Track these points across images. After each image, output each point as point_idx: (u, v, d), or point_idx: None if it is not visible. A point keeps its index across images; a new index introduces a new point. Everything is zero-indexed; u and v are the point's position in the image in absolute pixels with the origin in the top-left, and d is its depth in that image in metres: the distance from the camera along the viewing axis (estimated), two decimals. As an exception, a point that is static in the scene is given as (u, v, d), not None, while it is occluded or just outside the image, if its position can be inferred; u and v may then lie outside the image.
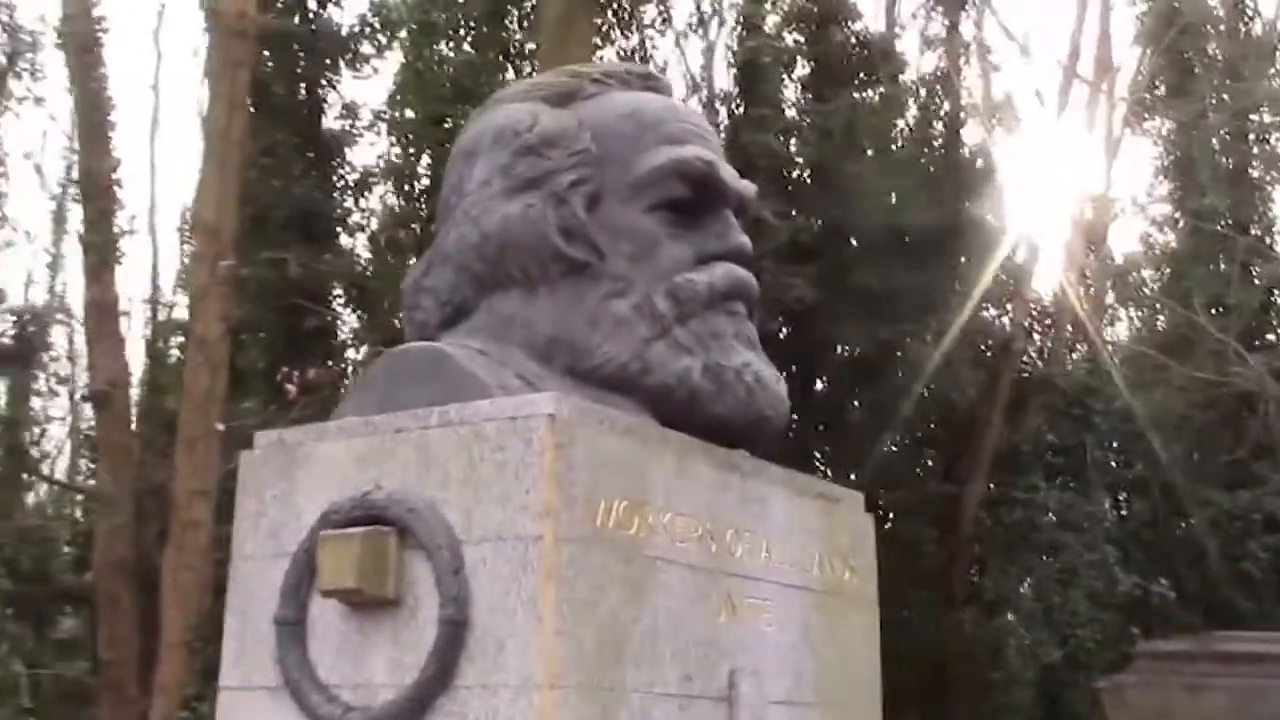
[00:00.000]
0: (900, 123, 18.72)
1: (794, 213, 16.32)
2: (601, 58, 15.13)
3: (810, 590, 3.75)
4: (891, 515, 17.96)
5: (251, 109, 16.95)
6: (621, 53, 15.77)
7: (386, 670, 3.00)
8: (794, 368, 16.94)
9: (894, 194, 17.44)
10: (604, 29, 14.78)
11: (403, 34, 17.11)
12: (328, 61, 16.55)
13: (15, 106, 16.23)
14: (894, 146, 18.80)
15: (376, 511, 3.07)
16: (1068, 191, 19.23)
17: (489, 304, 3.54)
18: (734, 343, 3.61)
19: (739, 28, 18.20)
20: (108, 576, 12.89)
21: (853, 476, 18.79)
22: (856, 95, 18.16)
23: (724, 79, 18.47)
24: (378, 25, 16.93)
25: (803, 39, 18.50)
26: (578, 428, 2.99)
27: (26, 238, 19.46)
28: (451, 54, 17.29)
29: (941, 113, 18.66)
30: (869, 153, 18.15)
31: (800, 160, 17.24)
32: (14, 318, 14.64)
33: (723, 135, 17.34)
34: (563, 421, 2.96)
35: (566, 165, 3.56)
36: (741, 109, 17.51)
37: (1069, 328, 19.10)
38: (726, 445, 3.54)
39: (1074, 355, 19.37)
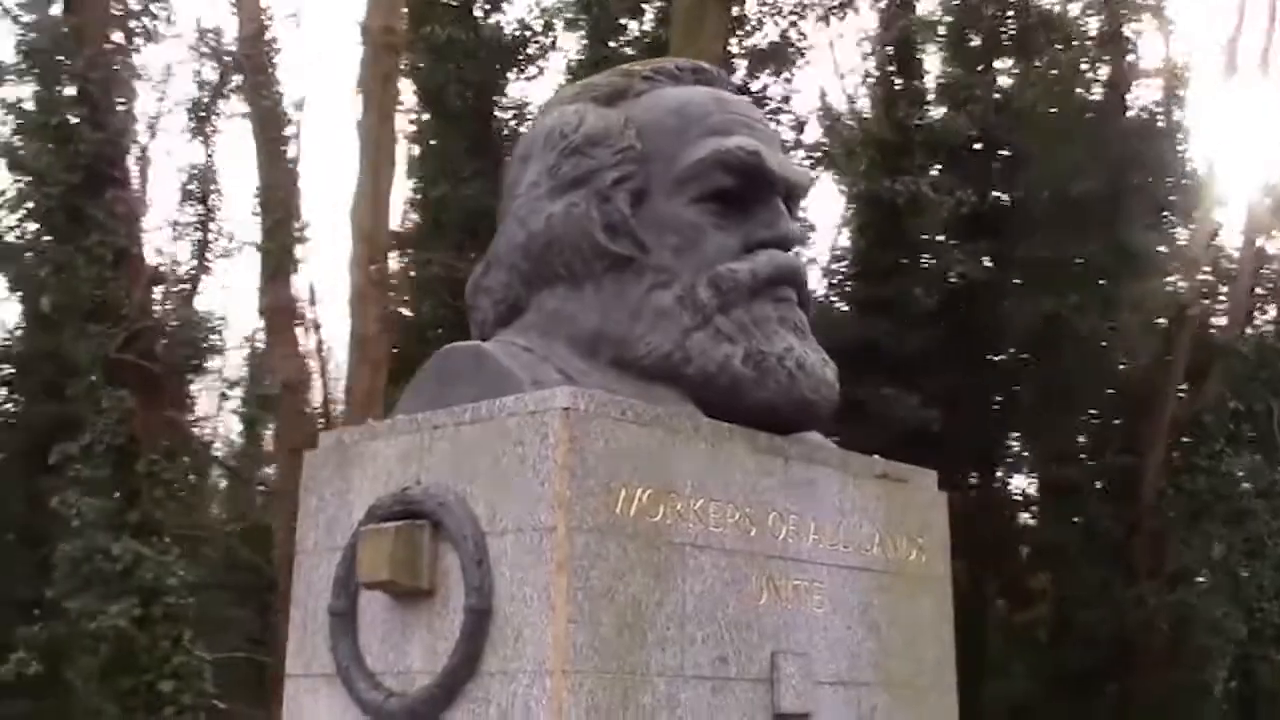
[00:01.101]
0: (1066, 89, 18.11)
1: (954, 189, 15.99)
2: (738, 46, 15.08)
3: (870, 571, 3.74)
4: (1067, 489, 17.48)
5: (424, 116, 17.53)
6: (756, 40, 15.71)
7: (423, 657, 3.14)
8: (963, 345, 16.63)
9: (1061, 162, 16.93)
10: (739, 17, 14.73)
11: (564, 33, 17.38)
12: (497, 66, 16.97)
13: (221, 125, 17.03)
14: (1060, 113, 18.22)
15: (413, 506, 3.21)
16: (1249, 150, 18.32)
17: (538, 301, 3.64)
18: (778, 329, 3.62)
19: (890, 5, 17.91)
20: (286, 569, 13.49)
21: (1026, 453, 18.38)
22: (1020, 63, 17.69)
23: (875, 58, 18.17)
24: (540, 28, 17.26)
25: (953, 15, 18.07)
26: (595, 420, 3.07)
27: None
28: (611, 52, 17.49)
29: (1108, 77, 17.98)
30: (1034, 121, 17.64)
31: (961, 133, 16.84)
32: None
33: (874, 114, 17.15)
34: (579, 415, 3.04)
35: (610, 163, 3.63)
36: (894, 86, 17.22)
37: (1253, 290, 18.21)
38: (774, 430, 3.57)
39: (1258, 318, 18.45)
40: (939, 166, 16.23)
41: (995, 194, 16.73)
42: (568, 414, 3.02)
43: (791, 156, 15.66)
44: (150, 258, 13.72)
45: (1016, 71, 17.78)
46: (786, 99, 15.66)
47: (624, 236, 3.58)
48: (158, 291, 13.32)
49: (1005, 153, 16.80)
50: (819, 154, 16.45)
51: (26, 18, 12.76)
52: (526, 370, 3.36)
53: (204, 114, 16.44)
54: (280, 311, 13.92)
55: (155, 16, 13.88)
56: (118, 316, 11.22)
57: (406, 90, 16.25)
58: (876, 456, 4.17)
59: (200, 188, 16.55)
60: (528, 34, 16.93)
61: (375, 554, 3.17)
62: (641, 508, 3.12)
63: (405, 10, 13.52)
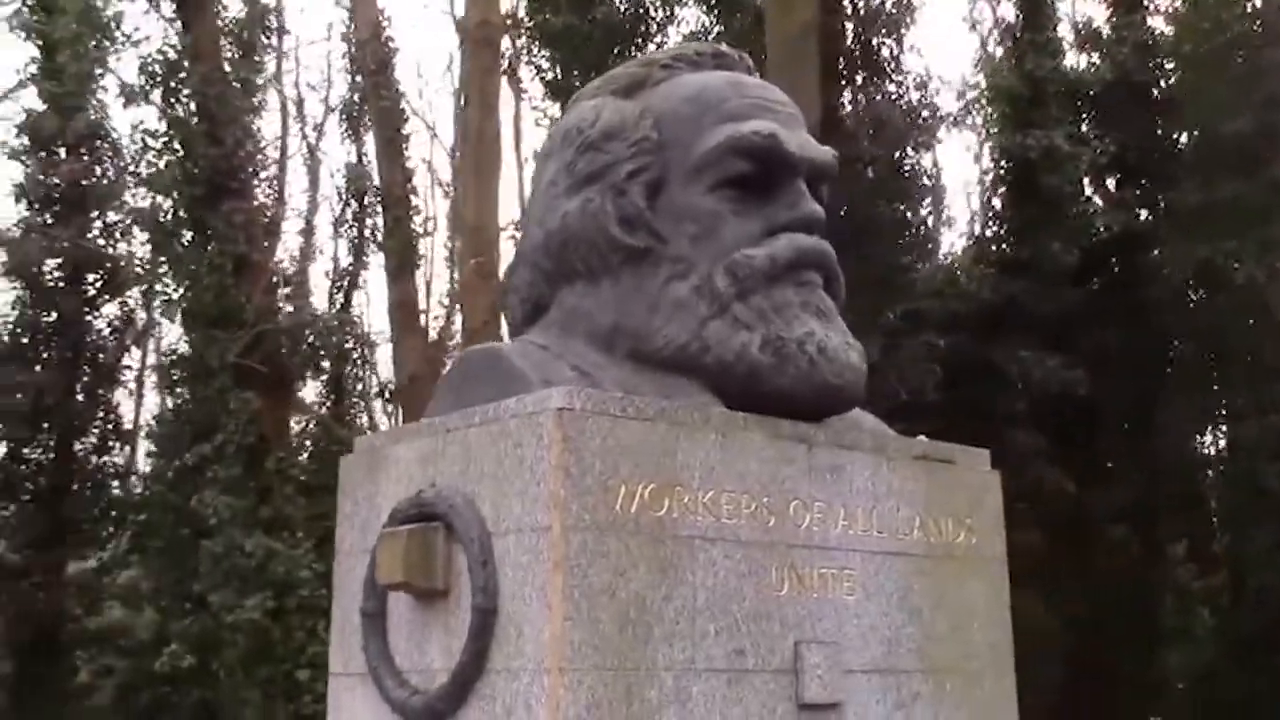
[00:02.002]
0: (1207, 25, 17.27)
1: (1093, 138, 15.41)
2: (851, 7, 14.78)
3: (909, 555, 3.68)
4: (1234, 447, 16.73)
5: (554, 106, 17.66)
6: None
7: (441, 656, 3.21)
8: (1110, 302, 16.05)
9: (1210, 101, 16.17)
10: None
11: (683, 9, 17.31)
12: (614, 50, 17.02)
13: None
14: (1208, 50, 17.39)
15: (428, 508, 3.28)
16: None
17: (560, 298, 3.67)
18: (799, 314, 3.57)
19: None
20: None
21: (1187, 411, 17.63)
22: (1156, 4, 16.95)
23: (1005, 8, 17.62)
24: (654, 8, 17.22)
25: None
26: (592, 418, 3.08)
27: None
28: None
29: (1250, 7, 17.08)
30: (1180, 61, 16.89)
31: (1098, 80, 16.20)
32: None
33: (1004, 66, 16.64)
34: (573, 414, 3.06)
35: (625, 156, 3.63)
36: (1023, 36, 16.66)
37: None
38: (802, 417, 3.53)
39: None
40: (1078, 117, 15.67)
41: (1138, 141, 16.03)
42: (561, 414, 3.04)
43: (919, 118, 15.40)
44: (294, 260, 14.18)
45: (1160, 9, 17.04)
46: (897, 59, 15.31)
47: (640, 229, 3.58)
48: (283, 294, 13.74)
49: (1147, 96, 16.08)
50: (948, 114, 16.10)
51: (147, 39, 13.36)
52: (538, 370, 3.39)
53: (354, 114, 16.91)
54: (406, 306, 14.27)
55: (270, 29, 14.31)
56: (240, 321, 11.67)
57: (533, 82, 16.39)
58: (921, 438, 4.09)
59: (354, 187, 17.04)
60: (644, 11, 16.89)
61: (391, 556, 3.26)
62: (644, 503, 3.12)
63: (517, 1, 13.64)
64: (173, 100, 12.42)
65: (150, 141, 12.32)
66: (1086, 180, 15.42)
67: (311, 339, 12.76)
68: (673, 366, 3.50)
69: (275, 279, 11.72)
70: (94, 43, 14.62)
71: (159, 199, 12.37)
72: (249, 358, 11.54)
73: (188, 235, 11.81)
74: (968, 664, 3.77)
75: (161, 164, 11.97)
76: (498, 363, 3.49)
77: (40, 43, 15.07)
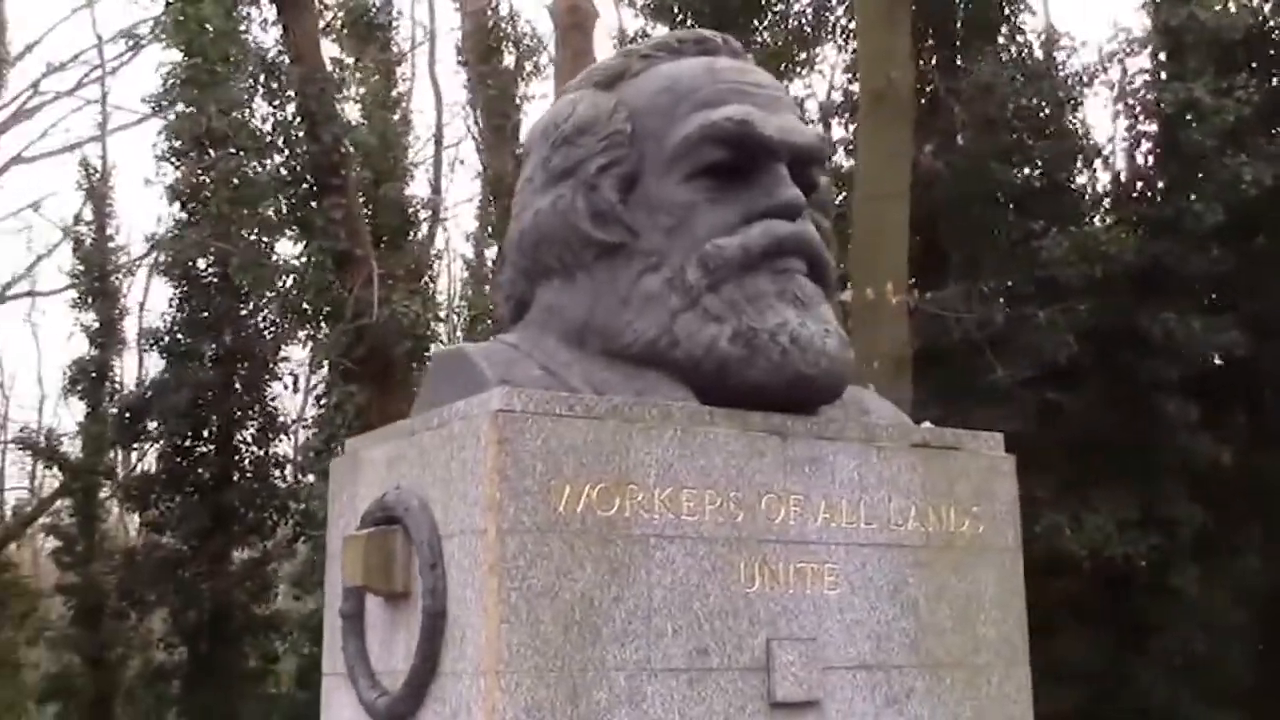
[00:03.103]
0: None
1: (1234, 89, 14.55)
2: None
3: (903, 546, 3.56)
4: None
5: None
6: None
7: (405, 658, 3.23)
8: (1266, 259, 15.18)
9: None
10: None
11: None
12: (739, 19, 16.80)
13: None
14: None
15: (389, 511, 3.31)
16: None
17: (538, 296, 3.66)
18: (774, 303, 3.47)
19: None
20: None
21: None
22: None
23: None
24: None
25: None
26: (532, 419, 3.06)
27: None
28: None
29: None
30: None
31: (1238, 27, 15.28)
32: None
33: (1145, 16, 15.86)
34: (511, 416, 3.04)
35: (597, 150, 3.59)
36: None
37: None
38: (777, 409, 3.44)
39: None
40: (1220, 68, 14.83)
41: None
42: (498, 416, 3.02)
43: (1052, 77, 14.80)
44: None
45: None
46: (1016, 19, 14.70)
47: (613, 223, 3.53)
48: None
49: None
50: (1081, 70, 15.40)
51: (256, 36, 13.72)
52: (501, 369, 3.37)
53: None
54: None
55: (372, 22, 14.55)
56: (339, 316, 11.93)
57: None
58: (927, 424, 3.95)
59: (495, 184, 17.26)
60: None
61: (353, 559, 3.30)
62: (590, 503, 3.08)
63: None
64: (276, 101, 12.82)
65: (253, 141, 12.72)
66: (1231, 134, 14.60)
67: (421, 330, 12.91)
68: (644, 362, 3.44)
69: (381, 273, 11.93)
70: (232, 49, 15.14)
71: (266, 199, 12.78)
72: (353, 353, 11.83)
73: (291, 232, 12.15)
74: (974, 657, 3.64)
75: (271, 163, 12.34)
76: (461, 363, 3.49)
77: (183, 47, 15.62)
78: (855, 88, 13.74)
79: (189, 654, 18.26)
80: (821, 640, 3.35)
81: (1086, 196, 16.03)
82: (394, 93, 17.57)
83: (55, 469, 22.12)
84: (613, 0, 18.47)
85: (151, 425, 18.45)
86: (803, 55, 17.07)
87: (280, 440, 19.81)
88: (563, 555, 3.03)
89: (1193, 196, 14.34)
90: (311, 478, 14.21)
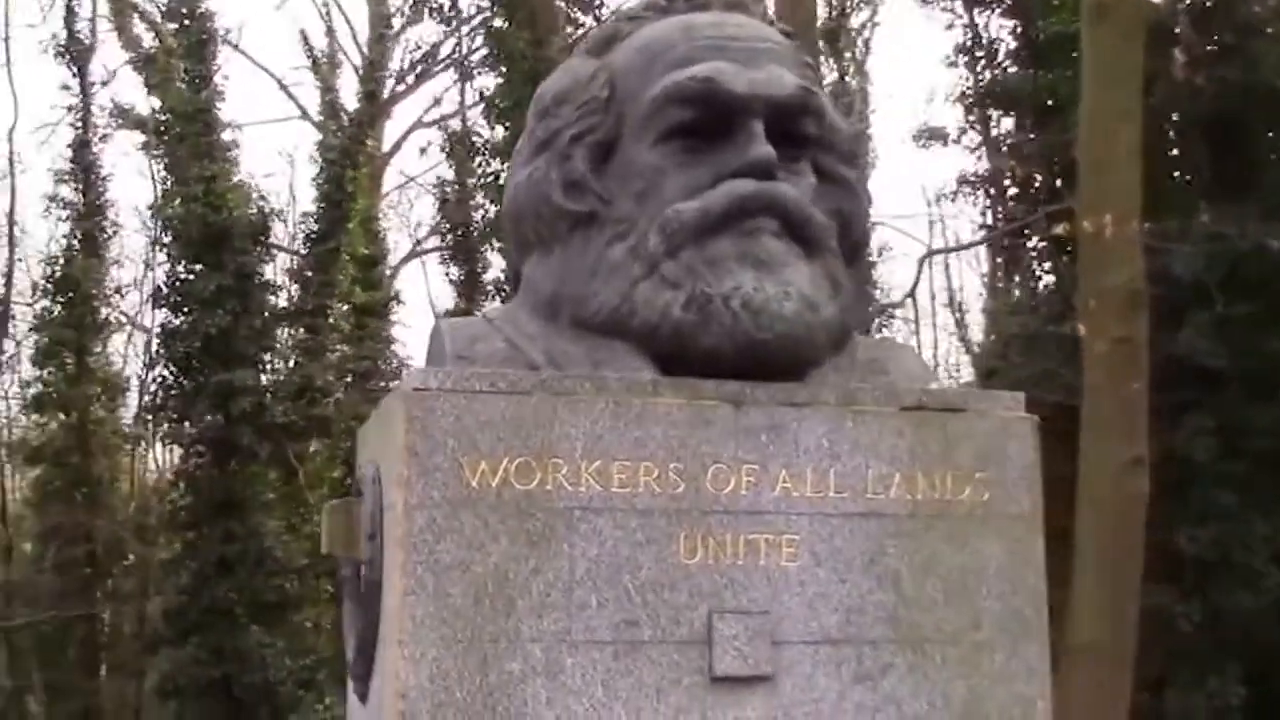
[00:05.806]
0: None
1: None
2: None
3: (883, 516, 3.41)
4: None
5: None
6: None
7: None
8: None
9: None
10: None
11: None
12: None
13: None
14: None
15: (359, 482, 3.50)
16: None
17: (523, 270, 3.73)
18: (733, 266, 3.37)
19: None
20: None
21: None
22: None
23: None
24: None
25: None
26: (445, 396, 3.14)
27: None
28: None
29: None
30: None
31: None
32: None
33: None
34: (424, 394, 3.13)
35: (573, 120, 3.60)
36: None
37: None
38: (739, 377, 3.37)
39: None
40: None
41: None
42: (411, 395, 3.13)
43: None
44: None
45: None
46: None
47: (587, 193, 3.53)
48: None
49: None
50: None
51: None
52: (460, 344, 3.47)
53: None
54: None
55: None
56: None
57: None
58: (930, 385, 3.74)
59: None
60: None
61: (327, 526, 3.51)
62: (506, 478, 3.14)
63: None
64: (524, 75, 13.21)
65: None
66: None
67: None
68: (606, 331, 3.44)
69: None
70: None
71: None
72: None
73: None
74: (972, 633, 3.44)
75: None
76: (435, 337, 3.61)
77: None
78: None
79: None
80: (777, 614, 3.27)
81: None
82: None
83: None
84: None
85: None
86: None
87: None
88: (475, 529, 3.10)
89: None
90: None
